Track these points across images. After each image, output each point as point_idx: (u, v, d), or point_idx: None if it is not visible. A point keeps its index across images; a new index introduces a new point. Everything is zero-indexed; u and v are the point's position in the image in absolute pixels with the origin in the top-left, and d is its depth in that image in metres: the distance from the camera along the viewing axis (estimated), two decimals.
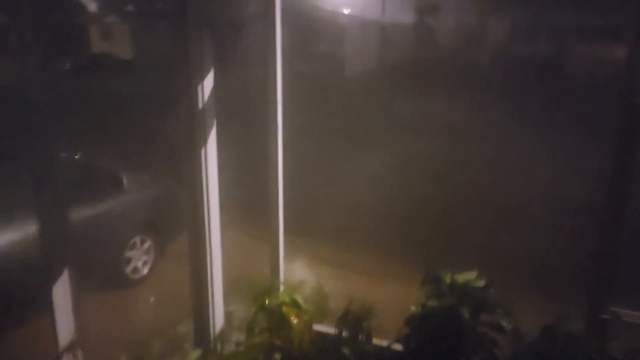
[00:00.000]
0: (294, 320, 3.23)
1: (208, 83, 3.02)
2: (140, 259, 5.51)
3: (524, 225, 5.71)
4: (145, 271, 5.58)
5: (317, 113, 7.83)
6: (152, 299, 5.44)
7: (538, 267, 4.94)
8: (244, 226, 5.55)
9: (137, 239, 5.45)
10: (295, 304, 3.33)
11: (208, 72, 3.02)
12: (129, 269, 5.39)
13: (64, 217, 2.34)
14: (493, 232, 5.59)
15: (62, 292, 2.41)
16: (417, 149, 7.12)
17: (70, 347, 2.75)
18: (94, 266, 4.98)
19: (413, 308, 3.15)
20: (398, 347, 3.05)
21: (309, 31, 10.78)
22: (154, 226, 5.59)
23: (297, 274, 5.48)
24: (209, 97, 3.05)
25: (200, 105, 3.00)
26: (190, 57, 2.91)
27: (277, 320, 3.28)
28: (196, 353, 3.33)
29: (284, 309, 3.27)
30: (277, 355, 3.15)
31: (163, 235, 5.69)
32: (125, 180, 5.36)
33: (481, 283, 3.04)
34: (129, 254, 5.38)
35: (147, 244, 5.57)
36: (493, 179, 6.30)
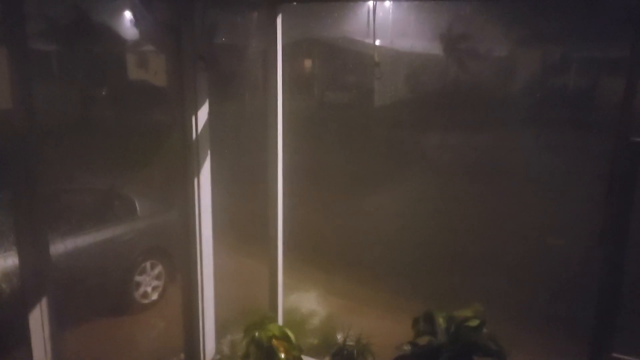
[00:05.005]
0: (282, 355, 3.19)
1: (202, 114, 3.08)
2: (150, 284, 5.56)
3: (527, 267, 5.55)
4: (155, 296, 5.62)
5: (334, 139, 7.87)
6: (160, 324, 5.47)
7: (540, 312, 4.76)
8: (247, 255, 5.55)
9: (148, 264, 5.52)
10: (285, 338, 3.29)
11: (202, 103, 3.07)
12: (138, 293, 5.45)
13: (44, 246, 2.38)
14: (497, 271, 5.44)
15: (39, 323, 2.44)
16: (430, 183, 7.04)
17: None
18: (103, 290, 5.07)
19: (405, 347, 3.07)
20: None
21: (338, 62, 10.91)
22: (165, 252, 5.65)
23: (305, 304, 5.42)
24: (203, 127, 3.10)
25: (193, 135, 3.05)
26: (185, 89, 2.98)
27: (266, 353, 3.24)
28: None
29: (274, 342, 3.23)
30: None
31: (174, 261, 5.74)
32: (138, 206, 5.47)
33: (475, 323, 2.93)
34: (139, 278, 5.44)
35: (158, 269, 5.63)
36: (500, 217, 6.18)
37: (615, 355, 2.79)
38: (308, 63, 11.34)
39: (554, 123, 6.99)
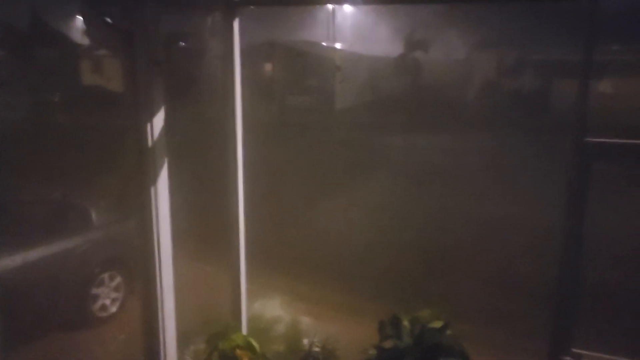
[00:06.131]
0: None
1: (158, 120, 2.98)
2: (108, 297, 5.37)
3: (489, 267, 5.67)
4: (114, 309, 5.43)
5: (296, 143, 7.84)
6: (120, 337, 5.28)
7: (502, 310, 4.86)
8: (209, 263, 5.44)
9: (106, 276, 5.33)
10: (249, 347, 3.23)
11: (158, 109, 2.98)
12: (95, 306, 5.25)
13: None
14: (460, 271, 5.52)
15: None
16: (394, 185, 7.09)
17: None
18: (57, 305, 4.86)
19: (370, 352, 3.06)
20: None
21: (299, 64, 10.88)
22: (124, 262, 5.48)
23: (270, 310, 5.34)
24: (160, 133, 3.01)
25: (149, 142, 2.96)
26: (139, 94, 2.88)
27: None
28: None
29: (237, 352, 3.16)
30: None
31: (134, 271, 5.57)
32: (94, 216, 5.28)
33: (438, 324, 2.95)
34: (96, 291, 5.25)
35: (117, 280, 5.44)
36: (461, 219, 6.28)
37: (574, 350, 2.85)
38: (268, 67, 11.26)
39: (510, 125, 7.16)
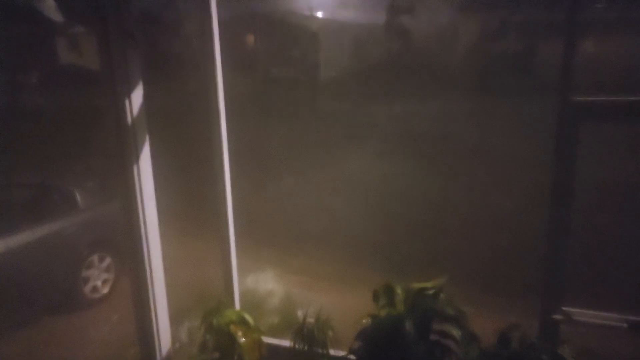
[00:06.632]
0: (242, 339, 3.12)
1: (137, 96, 2.89)
2: (99, 278, 5.34)
3: (479, 232, 5.69)
4: (105, 290, 5.41)
5: (282, 115, 7.74)
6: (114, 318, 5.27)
7: (493, 273, 4.90)
8: (199, 239, 5.41)
9: (95, 257, 5.28)
10: (243, 322, 3.22)
11: (136, 85, 2.88)
12: (87, 288, 5.22)
13: None
14: (451, 237, 5.54)
15: None
16: (381, 154, 7.05)
17: None
18: (48, 289, 4.81)
19: (364, 320, 3.06)
20: (353, 358, 2.95)
21: (280, 35, 10.68)
22: (112, 243, 5.42)
23: (262, 284, 5.36)
24: (139, 110, 2.92)
25: (129, 119, 2.87)
26: (115, 69, 2.78)
27: (225, 339, 3.16)
28: None
29: (231, 327, 3.15)
30: None
31: (124, 252, 5.52)
32: (79, 198, 5.19)
33: (431, 291, 2.96)
34: (87, 273, 5.20)
35: (107, 261, 5.40)
36: (449, 184, 6.28)
37: (564, 308, 2.89)
38: (250, 39, 11.04)
39: (496, 88, 7.12)
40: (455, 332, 2.74)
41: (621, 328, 2.70)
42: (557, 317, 2.87)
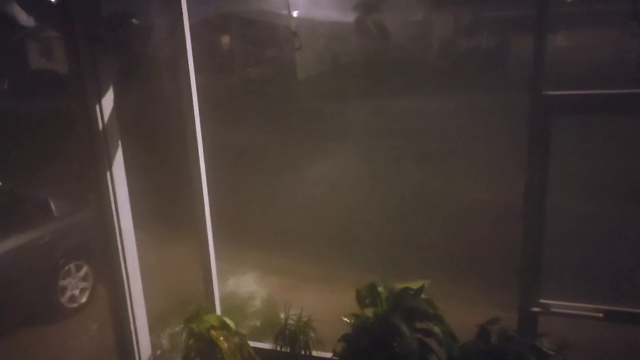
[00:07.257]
0: (224, 344, 3.09)
1: (107, 101, 2.83)
2: (77, 287, 5.23)
3: (457, 226, 5.74)
4: (83, 299, 5.30)
5: (259, 115, 7.70)
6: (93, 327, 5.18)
7: (472, 267, 4.96)
8: (178, 244, 5.34)
9: (72, 266, 5.17)
10: (224, 326, 3.19)
11: (106, 89, 2.83)
12: (64, 298, 5.11)
13: None
14: (431, 233, 5.58)
15: None
16: (359, 152, 7.07)
17: None
18: (23, 300, 4.70)
19: (346, 319, 3.06)
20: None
21: (254, 36, 10.61)
22: (89, 251, 5.31)
23: (243, 287, 5.32)
24: (110, 115, 2.86)
25: (100, 124, 2.81)
26: (84, 74, 2.72)
27: (207, 345, 3.13)
28: None
29: (212, 333, 3.12)
30: None
31: (100, 260, 5.42)
32: (53, 206, 5.07)
33: (413, 290, 2.97)
34: (63, 282, 5.09)
35: (84, 270, 5.29)
36: (427, 180, 6.32)
37: (542, 301, 2.92)
38: (225, 40, 10.95)
39: (470, 83, 7.19)
40: (437, 330, 2.76)
41: (597, 318, 2.75)
42: (536, 309, 2.90)
